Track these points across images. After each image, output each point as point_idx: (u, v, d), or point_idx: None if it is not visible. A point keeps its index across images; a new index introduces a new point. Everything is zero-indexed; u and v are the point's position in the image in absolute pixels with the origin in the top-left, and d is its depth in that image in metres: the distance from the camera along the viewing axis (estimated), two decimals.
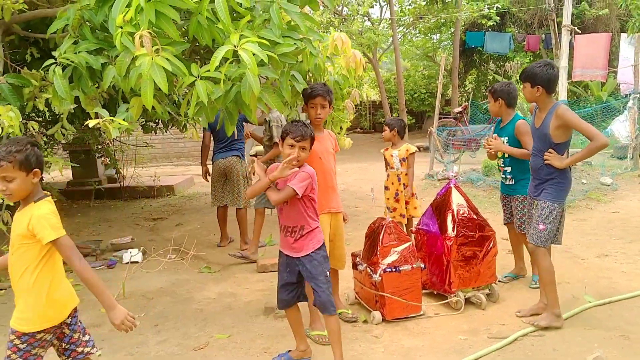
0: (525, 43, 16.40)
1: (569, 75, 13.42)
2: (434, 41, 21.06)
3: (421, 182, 10.04)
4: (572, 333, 4.07)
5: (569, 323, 4.25)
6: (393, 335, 4.21)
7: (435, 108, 11.04)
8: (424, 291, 4.90)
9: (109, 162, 10.39)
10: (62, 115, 4.53)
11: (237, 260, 6.14)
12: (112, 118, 3.73)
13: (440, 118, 12.01)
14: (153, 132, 9.26)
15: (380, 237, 4.43)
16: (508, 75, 20.52)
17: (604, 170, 9.31)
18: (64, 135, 4.88)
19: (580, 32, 11.07)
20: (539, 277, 4.37)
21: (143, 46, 3.38)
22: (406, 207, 5.92)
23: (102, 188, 10.53)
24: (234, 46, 3.37)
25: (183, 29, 4.00)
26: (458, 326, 4.32)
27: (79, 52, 3.84)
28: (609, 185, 8.61)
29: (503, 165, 5.05)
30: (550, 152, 4.10)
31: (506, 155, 4.97)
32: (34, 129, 4.57)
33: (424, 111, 20.57)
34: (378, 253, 4.40)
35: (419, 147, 13.21)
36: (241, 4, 3.63)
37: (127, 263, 6.15)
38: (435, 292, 4.84)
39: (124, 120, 3.87)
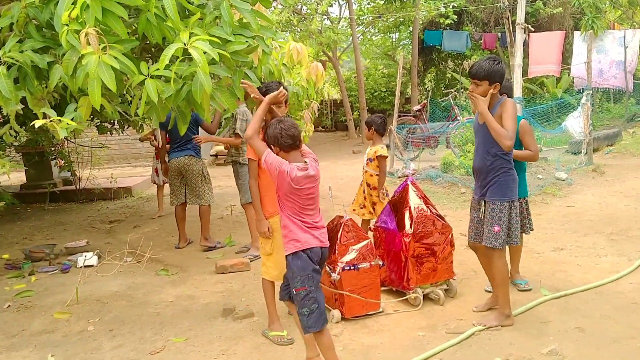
0: (482, 41, 16.63)
1: (524, 73, 13.70)
2: (394, 40, 21.19)
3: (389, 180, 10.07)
4: (528, 327, 4.12)
5: (525, 317, 4.31)
6: (353, 334, 4.20)
7: (395, 106, 11.09)
8: (383, 288, 4.91)
9: (64, 164, 10.16)
10: (9, 117, 4.39)
11: (195, 261, 6.09)
12: (59, 118, 3.61)
13: (399, 116, 12.07)
14: (109, 132, 9.08)
15: (339, 236, 4.41)
16: (466, 73, 20.79)
17: (559, 166, 9.50)
18: (15, 137, 4.74)
19: (534, 30, 11.25)
20: (493, 277, 4.35)
21: (89, 44, 3.30)
22: (373, 209, 5.82)
23: (57, 191, 10.27)
24: (184, 44, 3.31)
25: (133, 27, 3.91)
26: (417, 322, 4.34)
27: (24, 50, 3.72)
28: (564, 180, 8.78)
29: None
30: (472, 92, 4.02)
31: None
32: None
33: (385, 109, 20.64)
34: (336, 251, 4.38)
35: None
36: (192, 1, 3.57)
37: (82, 267, 6.00)
38: (394, 289, 4.85)
39: (72, 120, 3.78)
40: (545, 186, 8.45)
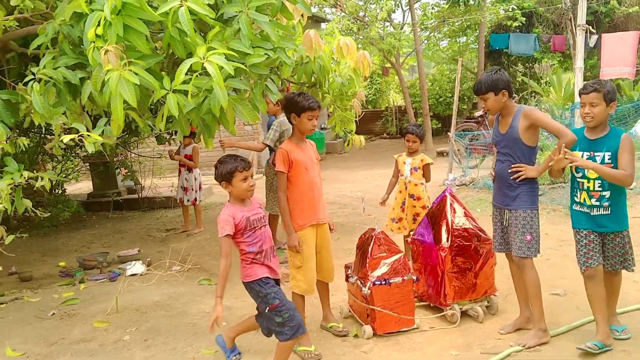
0: (551, 44, 15.98)
1: (596, 76, 13.06)
2: (461, 44, 20.71)
3: (439, 187, 9.83)
4: (571, 347, 3.87)
5: (568, 336, 4.05)
6: (383, 351, 4.08)
7: (453, 111, 10.80)
8: (420, 303, 4.76)
9: (127, 174, 10.51)
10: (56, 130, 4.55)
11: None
12: (88, 133, 3.71)
13: (463, 122, 11.76)
14: (167, 142, 9.33)
15: (370, 249, 4.30)
16: (538, 76, 20.06)
17: None
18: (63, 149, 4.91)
19: (595, 32, 10.70)
20: (527, 289, 4.06)
21: (110, 61, 3.36)
22: (414, 220, 5.64)
23: (120, 199, 10.63)
24: (201, 58, 3.31)
25: (160, 42, 3.96)
26: (452, 341, 4.16)
27: (57, 67, 3.84)
28: (631, 189, 8.25)
29: (598, 189, 3.76)
30: (519, 165, 3.95)
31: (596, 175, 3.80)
32: (23, 145, 4.59)
33: (450, 115, 20.26)
34: (367, 265, 4.27)
35: (442, 152, 12.92)
36: (212, 16, 3.57)
37: (129, 275, 6.15)
38: (431, 305, 4.68)
39: (102, 134, 3.87)
40: None
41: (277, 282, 3.75)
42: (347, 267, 4.68)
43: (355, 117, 7.35)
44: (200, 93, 3.50)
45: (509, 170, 3.99)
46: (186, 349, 4.31)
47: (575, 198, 3.89)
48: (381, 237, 4.36)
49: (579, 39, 7.47)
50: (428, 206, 5.56)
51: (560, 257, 5.87)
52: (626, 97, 16.36)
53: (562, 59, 19.17)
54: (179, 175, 8.55)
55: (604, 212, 3.75)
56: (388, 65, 18.50)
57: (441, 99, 19.67)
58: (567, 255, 5.91)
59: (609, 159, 3.68)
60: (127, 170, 10.49)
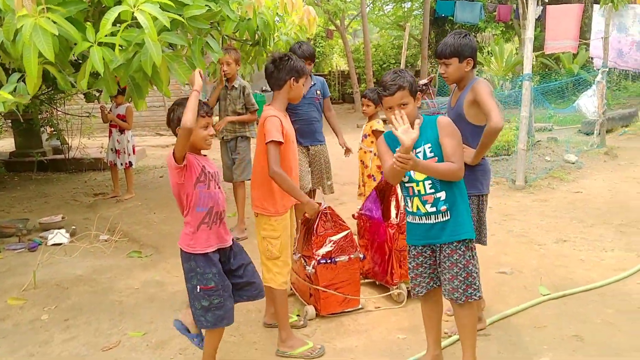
0: (496, 13, 15.90)
1: (540, 48, 13.08)
2: (405, 10, 20.45)
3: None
4: (521, 332, 3.72)
5: (518, 320, 3.91)
6: (326, 334, 3.82)
7: None
8: (366, 281, 4.53)
9: (53, 132, 9.80)
10: None
11: (173, 241, 5.69)
12: None
13: None
14: (96, 100, 8.67)
15: (315, 226, 3.99)
16: (480, 46, 20.10)
17: (568, 147, 9.00)
18: None
19: (547, 1, 10.61)
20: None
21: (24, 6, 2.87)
22: (363, 187, 5.56)
23: (45, 160, 9.91)
24: (131, 7, 2.87)
25: None
26: (399, 322, 3.95)
27: None
28: (573, 164, 8.30)
29: (431, 192, 2.99)
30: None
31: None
32: None
33: None
34: (312, 243, 3.98)
35: (383, 120, 12.76)
36: None
37: (51, 245, 5.66)
38: (377, 283, 4.46)
39: (15, 91, 3.38)
40: (553, 169, 7.99)
41: (226, 251, 3.21)
42: None
43: None
44: (130, 47, 3.07)
45: None
46: (111, 331, 3.92)
47: (408, 208, 3.09)
48: (328, 212, 4.05)
49: (531, 9, 7.29)
50: (374, 176, 5.37)
51: (504, 232, 5.77)
52: (565, 70, 16.61)
53: (504, 29, 19.27)
54: (109, 136, 7.86)
55: (444, 219, 2.97)
56: (332, 27, 18.07)
57: (385, 65, 19.50)
58: (511, 230, 5.83)
59: (430, 152, 2.96)
60: (52, 129, 9.77)
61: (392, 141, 3.05)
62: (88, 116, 9.26)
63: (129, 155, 7.75)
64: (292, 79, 3.39)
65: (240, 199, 5.95)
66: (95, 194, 8.09)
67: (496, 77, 18.45)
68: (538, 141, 9.52)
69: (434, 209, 2.98)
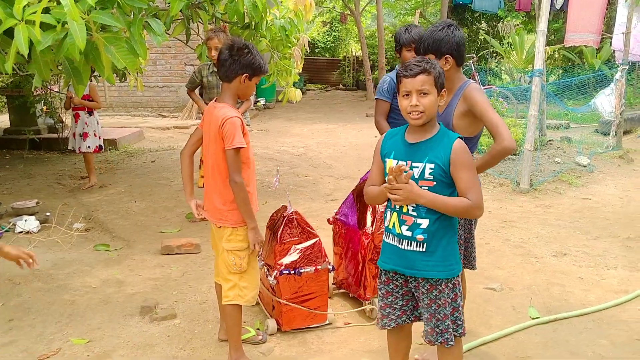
0: (516, 2, 15.29)
1: (561, 40, 12.48)
2: None
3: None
4: None
5: (500, 346, 3.51)
6: (285, 352, 3.47)
7: None
8: (340, 291, 4.17)
9: (47, 110, 9.50)
10: None
11: (145, 235, 5.41)
12: None
13: None
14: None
15: (279, 233, 3.62)
16: (500, 36, 19.43)
17: (581, 149, 8.49)
18: None
19: None
20: None
21: None
22: None
23: (36, 138, 9.62)
24: None
25: None
26: (367, 343, 3.57)
27: None
28: (584, 167, 7.80)
29: (412, 214, 2.53)
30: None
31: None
32: None
33: None
34: (275, 251, 3.61)
35: None
36: None
37: (20, 233, 5.36)
38: (350, 295, 4.08)
39: None
40: (562, 172, 7.50)
41: None
42: None
43: (294, 68, 6.69)
44: (59, 27, 2.69)
45: None
46: (54, 336, 3.61)
47: (386, 221, 2.66)
48: (294, 217, 3.67)
49: (544, 0, 6.77)
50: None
51: (500, 241, 5.35)
52: (588, 65, 15.95)
53: (526, 20, 18.59)
54: (76, 121, 7.13)
55: (418, 249, 2.51)
56: (347, 12, 17.54)
57: None
58: (508, 239, 5.41)
59: (430, 174, 2.46)
60: (47, 107, 9.47)
61: (390, 146, 2.61)
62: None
63: (100, 137, 7.16)
64: (244, 75, 2.99)
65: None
66: (82, 177, 7.76)
67: (515, 69, 17.82)
68: (550, 140, 9.02)
69: (409, 234, 2.52)
